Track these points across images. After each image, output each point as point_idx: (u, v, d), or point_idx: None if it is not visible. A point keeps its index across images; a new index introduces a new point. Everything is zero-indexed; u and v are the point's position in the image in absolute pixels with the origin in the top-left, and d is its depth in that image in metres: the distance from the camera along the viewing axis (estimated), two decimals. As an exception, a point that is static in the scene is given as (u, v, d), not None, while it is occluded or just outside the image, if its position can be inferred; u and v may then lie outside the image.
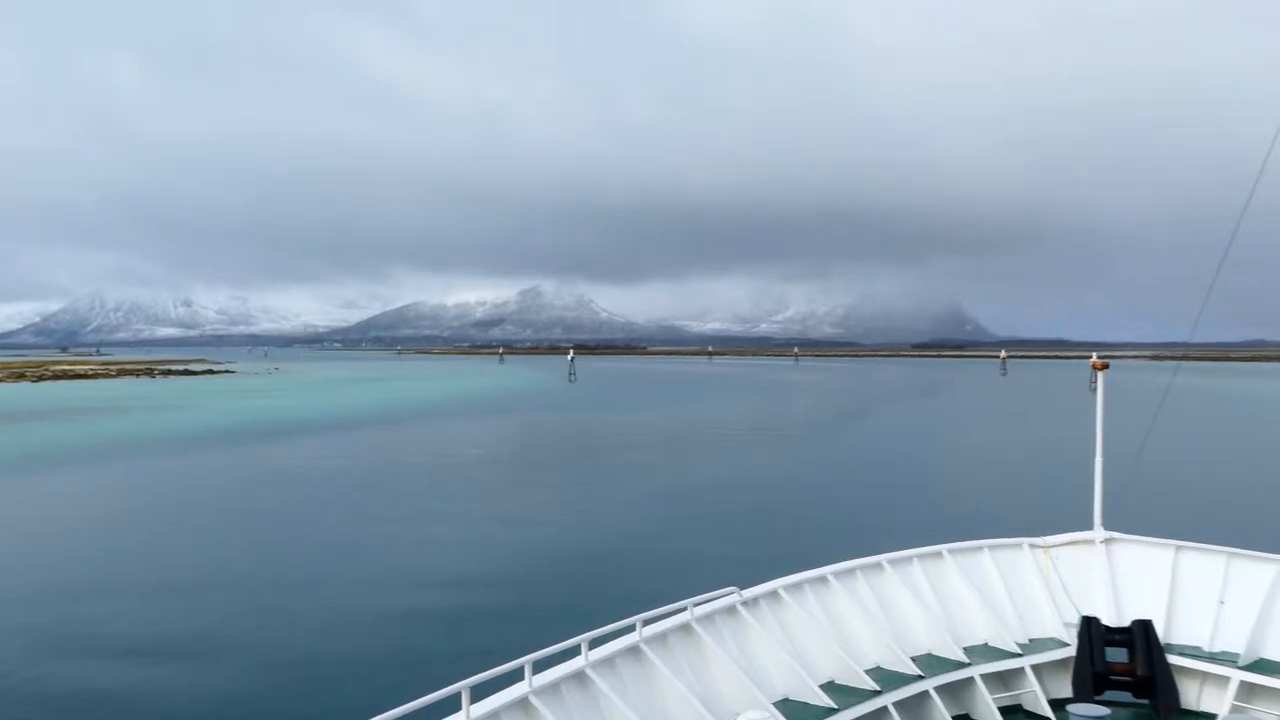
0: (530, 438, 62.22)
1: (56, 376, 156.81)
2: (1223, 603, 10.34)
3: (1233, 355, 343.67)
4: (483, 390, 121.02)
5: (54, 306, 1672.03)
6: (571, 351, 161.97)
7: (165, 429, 63.10)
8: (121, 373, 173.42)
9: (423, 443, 57.14)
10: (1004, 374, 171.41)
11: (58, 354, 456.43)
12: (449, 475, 42.84)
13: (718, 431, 63.67)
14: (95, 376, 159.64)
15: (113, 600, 21.39)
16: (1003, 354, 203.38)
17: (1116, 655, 9.65)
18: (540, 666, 7.09)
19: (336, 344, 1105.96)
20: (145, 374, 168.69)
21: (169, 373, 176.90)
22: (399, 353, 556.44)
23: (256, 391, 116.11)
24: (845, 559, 10.73)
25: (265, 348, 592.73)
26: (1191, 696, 9.70)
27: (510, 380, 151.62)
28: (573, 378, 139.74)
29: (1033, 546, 11.57)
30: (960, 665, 9.81)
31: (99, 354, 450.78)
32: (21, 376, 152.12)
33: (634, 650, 8.13)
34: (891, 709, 8.82)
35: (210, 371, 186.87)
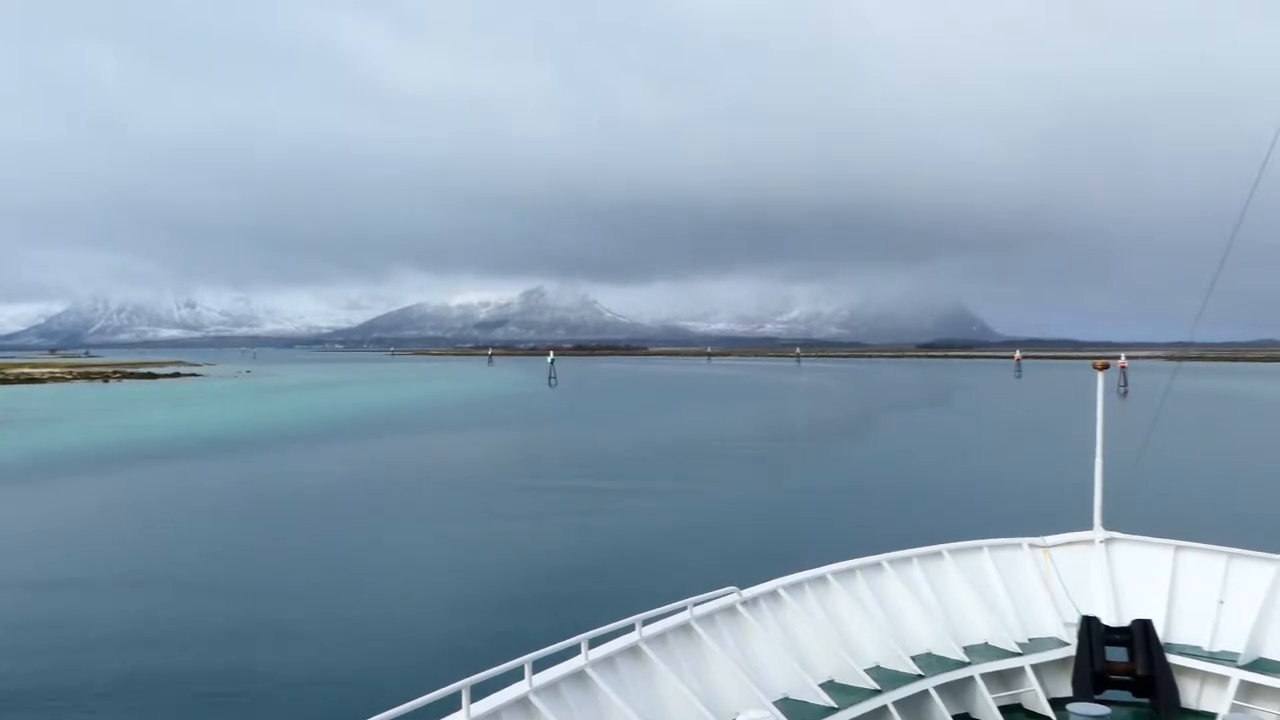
0: (448, 457, 51.07)
1: (6, 381, 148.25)
2: (1222, 602, 10.23)
3: (1245, 355, 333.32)
4: (449, 396, 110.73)
5: (58, 308, 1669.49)
6: (551, 354, 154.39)
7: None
8: (78, 376, 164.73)
9: (309, 466, 46.22)
10: (1019, 376, 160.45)
11: (46, 355, 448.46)
12: (285, 510, 32.51)
13: (688, 449, 52.72)
14: (47, 380, 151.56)
15: None
16: (1017, 354, 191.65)
17: (1116, 655, 9.58)
18: (540, 666, 7.01)
19: (338, 345, 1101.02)
20: (99, 378, 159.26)
21: (127, 375, 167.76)
22: (392, 353, 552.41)
23: (192, 398, 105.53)
24: (845, 559, 10.52)
25: (255, 349, 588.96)
26: (1191, 696, 9.63)
27: (488, 384, 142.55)
28: (553, 382, 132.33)
29: (1033, 546, 11.44)
30: (960, 664, 9.74)
31: (88, 355, 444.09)
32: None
33: (634, 650, 8.04)
34: (891, 708, 8.74)
35: (177, 374, 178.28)
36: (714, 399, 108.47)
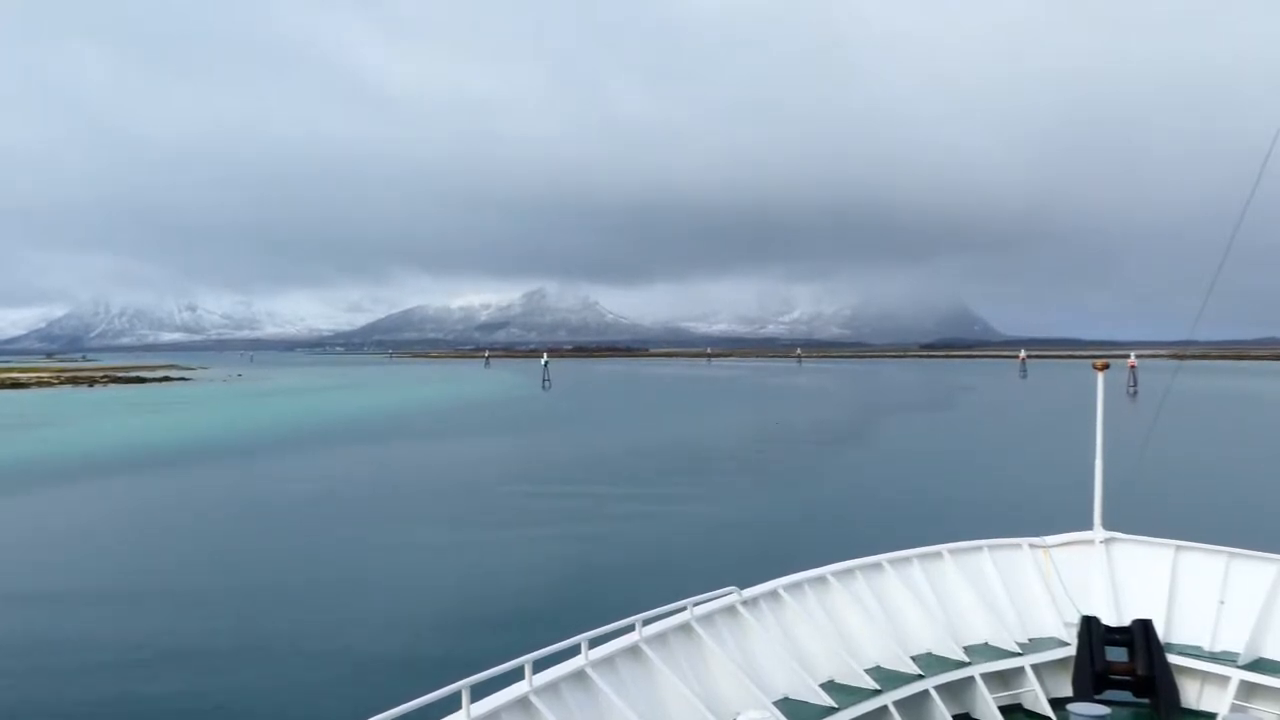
0: (429, 466, 48.22)
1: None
2: (1223, 602, 10.21)
3: (1249, 354, 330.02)
4: (437, 401, 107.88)
5: (59, 312, 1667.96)
6: (545, 356, 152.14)
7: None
8: (66, 381, 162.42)
9: (283, 473, 43.54)
10: (1024, 376, 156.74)
11: (43, 359, 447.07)
12: (239, 523, 29.88)
13: (682, 453, 50.10)
14: (33, 385, 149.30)
15: None
16: (1022, 354, 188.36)
17: (1117, 655, 9.57)
18: (540, 666, 7.02)
19: (339, 348, 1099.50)
20: (86, 383, 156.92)
21: (115, 380, 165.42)
22: (390, 356, 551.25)
23: (169, 405, 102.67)
24: (845, 559, 10.49)
25: (253, 352, 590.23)
26: (1191, 696, 9.64)
27: (481, 387, 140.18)
28: (546, 384, 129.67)
29: (1033, 546, 11.42)
30: (960, 665, 9.73)
31: (85, 359, 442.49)
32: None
33: (634, 650, 8.05)
34: (892, 708, 8.76)
35: (166, 379, 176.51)
36: (712, 401, 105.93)
